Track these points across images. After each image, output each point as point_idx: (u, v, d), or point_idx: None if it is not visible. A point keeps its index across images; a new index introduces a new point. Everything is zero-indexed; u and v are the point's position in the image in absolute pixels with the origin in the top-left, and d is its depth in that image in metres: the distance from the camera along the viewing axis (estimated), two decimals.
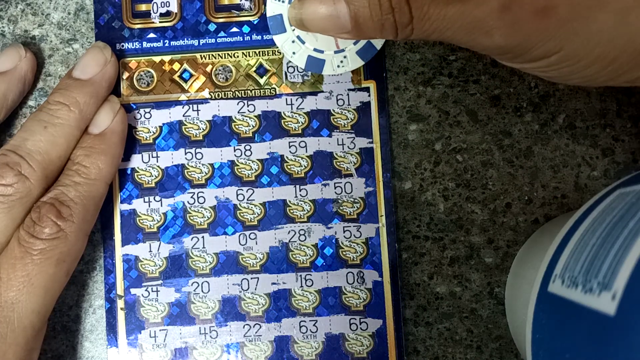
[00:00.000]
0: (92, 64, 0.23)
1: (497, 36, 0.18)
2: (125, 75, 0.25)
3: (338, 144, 0.25)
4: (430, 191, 0.25)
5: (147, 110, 0.25)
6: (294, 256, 0.24)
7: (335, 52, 0.23)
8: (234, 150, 0.24)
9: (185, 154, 0.24)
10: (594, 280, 0.16)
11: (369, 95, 0.25)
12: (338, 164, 0.24)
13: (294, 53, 0.23)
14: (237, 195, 0.24)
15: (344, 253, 0.24)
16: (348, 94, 0.25)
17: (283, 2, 0.23)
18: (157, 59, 0.25)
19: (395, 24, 0.19)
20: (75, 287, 0.24)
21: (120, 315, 0.24)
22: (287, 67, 0.25)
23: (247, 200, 0.24)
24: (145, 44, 0.25)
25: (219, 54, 0.25)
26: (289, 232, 0.24)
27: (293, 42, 0.23)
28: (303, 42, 0.23)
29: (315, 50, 0.23)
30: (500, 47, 0.19)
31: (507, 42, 0.18)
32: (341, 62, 0.23)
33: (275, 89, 0.25)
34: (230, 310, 0.24)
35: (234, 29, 0.25)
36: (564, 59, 0.18)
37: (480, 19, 0.18)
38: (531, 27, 0.17)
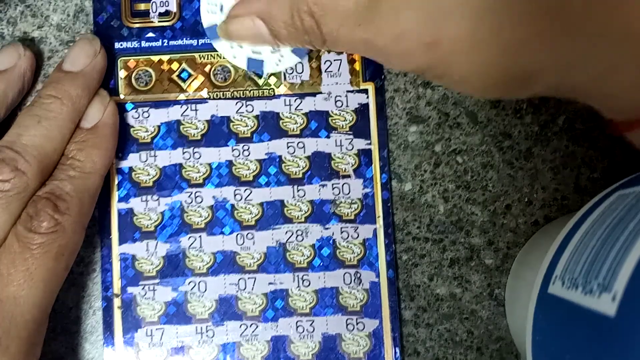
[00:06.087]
0: (82, 56, 0.23)
1: (394, 63, 0.21)
2: (124, 74, 0.25)
3: (336, 145, 0.24)
4: (430, 193, 0.25)
5: (145, 109, 0.24)
6: (291, 256, 0.24)
7: (272, 51, 0.24)
8: (232, 150, 0.24)
9: (183, 153, 0.24)
10: (594, 282, 0.16)
11: (367, 97, 0.25)
12: (336, 165, 0.24)
13: (234, 57, 0.24)
14: (235, 195, 0.24)
15: (341, 254, 0.24)
16: (346, 96, 0.25)
17: (215, 13, 0.23)
18: (155, 58, 0.25)
19: (312, 43, 0.21)
20: (75, 288, 0.24)
21: (117, 314, 0.24)
22: (286, 68, 0.25)
23: (245, 200, 0.24)
24: (143, 43, 0.25)
25: (217, 54, 0.25)
26: (286, 233, 0.24)
27: (232, 47, 0.24)
28: (241, 46, 0.24)
29: (253, 52, 0.24)
30: (400, 70, 0.21)
31: (403, 68, 0.22)
32: (279, 60, 0.24)
33: (273, 89, 0.25)
34: (227, 309, 0.24)
35: None
36: (452, 83, 0.20)
37: (380, 48, 0.20)
38: (419, 58, 0.19)
